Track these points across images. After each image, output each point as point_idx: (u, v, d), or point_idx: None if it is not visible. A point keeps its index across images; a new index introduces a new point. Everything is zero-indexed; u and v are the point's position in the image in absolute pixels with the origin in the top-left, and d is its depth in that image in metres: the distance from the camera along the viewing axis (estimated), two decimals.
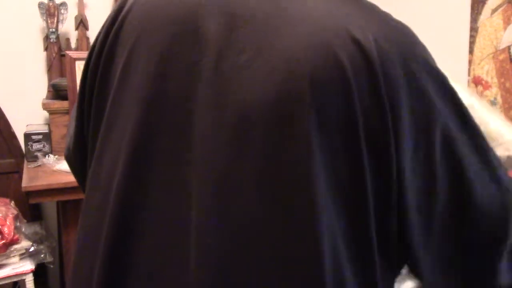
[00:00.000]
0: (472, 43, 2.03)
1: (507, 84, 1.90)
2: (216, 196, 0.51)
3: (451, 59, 2.13)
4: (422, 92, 0.54)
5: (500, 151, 1.01)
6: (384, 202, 0.52)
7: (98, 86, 0.64)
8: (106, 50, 0.63)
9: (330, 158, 0.50)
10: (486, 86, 1.98)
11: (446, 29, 2.15)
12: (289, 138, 0.50)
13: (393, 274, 0.57)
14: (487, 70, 1.97)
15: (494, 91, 1.95)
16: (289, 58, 0.51)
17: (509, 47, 1.89)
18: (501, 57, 1.91)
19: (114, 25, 0.63)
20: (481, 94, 2.01)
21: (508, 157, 1.03)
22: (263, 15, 0.54)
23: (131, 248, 0.55)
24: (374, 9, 0.58)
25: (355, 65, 0.51)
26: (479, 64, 2.01)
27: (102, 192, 0.59)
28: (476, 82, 2.03)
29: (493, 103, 1.96)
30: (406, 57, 0.54)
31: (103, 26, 0.65)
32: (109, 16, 0.65)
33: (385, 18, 0.57)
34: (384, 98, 0.51)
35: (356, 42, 0.51)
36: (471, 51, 2.03)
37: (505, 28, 1.89)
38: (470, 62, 2.04)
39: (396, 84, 0.52)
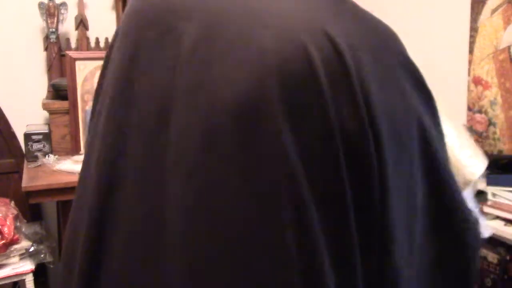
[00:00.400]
0: (472, 43, 2.03)
1: (507, 84, 1.90)
2: (186, 188, 0.52)
3: (451, 59, 2.13)
4: (397, 87, 0.54)
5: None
6: (365, 209, 0.51)
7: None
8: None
9: (303, 151, 0.49)
10: (486, 86, 1.98)
11: (446, 29, 2.15)
12: (258, 133, 0.50)
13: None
14: (487, 70, 1.98)
15: (494, 91, 1.95)
16: (259, 52, 0.51)
17: (509, 47, 1.89)
18: (501, 57, 1.92)
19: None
20: (481, 94, 2.01)
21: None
22: (238, 13, 0.54)
23: (105, 240, 0.57)
24: (347, 5, 0.57)
25: (325, 58, 0.50)
26: (479, 64, 2.01)
27: (83, 188, 0.63)
28: (476, 82, 2.03)
29: (493, 103, 1.96)
30: (381, 56, 0.53)
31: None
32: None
33: (360, 15, 0.57)
34: (357, 92, 0.50)
35: (327, 36, 0.51)
36: (471, 51, 2.04)
37: (505, 28, 1.89)
38: (470, 62, 2.04)
39: (369, 79, 0.51)
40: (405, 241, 0.53)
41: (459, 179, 1.08)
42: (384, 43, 0.55)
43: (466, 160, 1.10)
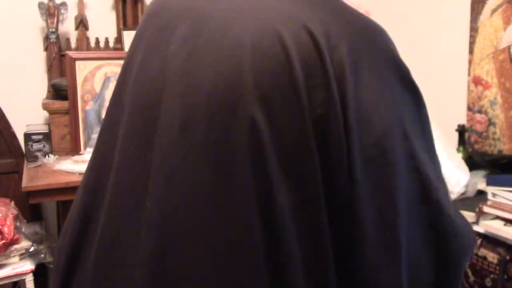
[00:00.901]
0: (472, 43, 2.03)
1: (507, 84, 1.90)
2: (162, 171, 0.53)
3: (451, 59, 2.13)
4: (382, 79, 0.54)
5: None
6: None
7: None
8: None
9: (275, 132, 0.50)
10: (486, 86, 1.98)
11: (446, 29, 2.15)
12: (233, 122, 0.51)
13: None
14: (487, 70, 1.98)
15: (494, 91, 1.95)
16: (235, 42, 0.53)
17: (509, 47, 1.89)
18: (501, 57, 1.91)
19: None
20: (481, 94, 2.01)
21: None
22: (221, 8, 0.57)
23: (90, 232, 0.60)
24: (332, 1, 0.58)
25: (303, 54, 0.51)
26: (479, 64, 2.01)
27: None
28: (476, 82, 2.03)
29: (493, 103, 1.96)
30: (360, 48, 0.53)
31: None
32: None
33: (340, 8, 0.57)
34: (333, 87, 0.50)
35: (306, 31, 0.51)
36: (471, 51, 2.04)
37: (505, 28, 1.89)
38: (470, 62, 2.04)
39: (346, 75, 0.51)
40: (376, 234, 0.52)
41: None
42: (366, 36, 0.55)
43: (451, 171, 1.11)
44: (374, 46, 0.55)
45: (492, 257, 1.43)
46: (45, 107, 2.28)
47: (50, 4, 2.37)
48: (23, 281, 1.91)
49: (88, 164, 0.66)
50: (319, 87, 0.50)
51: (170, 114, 0.54)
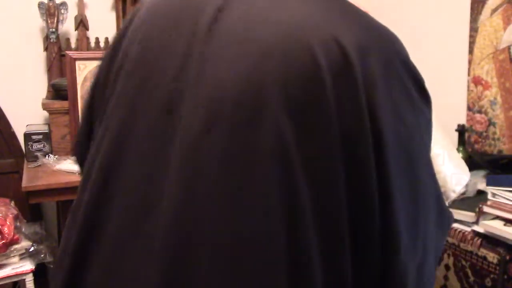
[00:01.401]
0: (472, 43, 2.03)
1: (507, 84, 1.90)
2: (184, 171, 0.53)
3: (451, 59, 2.13)
4: (405, 94, 0.55)
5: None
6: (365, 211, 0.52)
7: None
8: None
9: (301, 142, 0.51)
10: (486, 86, 1.98)
11: (446, 29, 2.15)
12: (257, 126, 0.51)
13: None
14: (487, 70, 1.98)
15: (494, 91, 1.95)
16: (265, 50, 0.52)
17: (509, 47, 1.89)
18: (501, 57, 1.91)
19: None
20: (481, 94, 2.01)
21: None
22: (247, 11, 0.56)
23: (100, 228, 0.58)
24: (355, 10, 0.58)
25: (333, 64, 0.51)
26: (479, 64, 2.01)
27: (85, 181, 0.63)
28: (476, 82, 2.03)
29: (493, 103, 1.96)
30: (388, 59, 0.54)
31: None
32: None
33: (366, 19, 0.58)
34: (362, 99, 0.51)
35: (336, 42, 0.52)
36: (471, 51, 2.04)
37: (505, 28, 1.89)
38: (470, 62, 2.04)
39: (376, 87, 0.52)
40: (409, 238, 0.55)
41: (443, 189, 1.11)
42: (391, 47, 0.56)
43: (451, 171, 1.11)
44: (399, 57, 0.56)
45: (492, 257, 1.43)
46: (45, 107, 2.28)
47: (50, 4, 2.37)
48: (23, 281, 1.91)
49: (92, 160, 0.64)
50: (349, 99, 0.51)
51: (194, 117, 0.54)
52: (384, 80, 0.53)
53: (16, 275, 1.89)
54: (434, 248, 0.60)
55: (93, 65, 2.30)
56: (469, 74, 2.05)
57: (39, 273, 2.04)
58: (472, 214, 1.52)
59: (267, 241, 0.50)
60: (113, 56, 0.66)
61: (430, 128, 0.60)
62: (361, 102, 0.51)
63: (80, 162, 0.75)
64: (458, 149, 1.88)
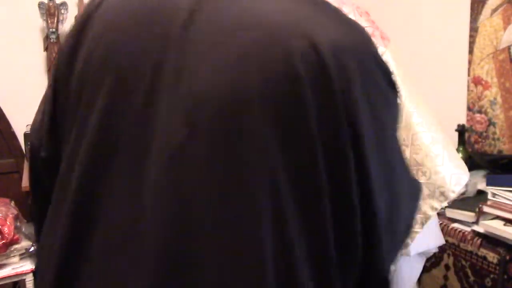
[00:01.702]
0: (472, 43, 2.03)
1: (507, 84, 1.90)
2: (166, 176, 0.53)
3: (451, 59, 2.13)
4: (379, 89, 0.57)
5: (419, 175, 1.11)
6: (345, 206, 0.54)
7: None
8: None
9: (283, 146, 0.51)
10: (486, 86, 1.98)
11: (446, 29, 2.15)
12: (237, 132, 0.51)
13: (353, 270, 0.58)
14: (487, 70, 1.98)
15: (494, 91, 1.95)
16: (242, 54, 0.52)
17: (509, 47, 1.89)
18: (501, 57, 1.92)
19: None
20: (481, 94, 2.01)
21: (427, 183, 1.11)
22: (222, 13, 0.56)
23: (87, 233, 0.57)
24: (328, 6, 0.59)
25: (309, 65, 0.52)
26: (479, 64, 2.01)
27: (62, 187, 0.61)
28: (476, 82, 2.03)
29: (493, 103, 1.96)
30: (361, 56, 0.55)
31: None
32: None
33: (339, 16, 0.59)
34: (338, 98, 0.52)
35: (311, 42, 0.52)
36: (471, 51, 2.04)
37: (505, 28, 1.89)
38: (470, 62, 2.04)
39: (352, 85, 0.53)
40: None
41: (442, 190, 1.12)
42: (364, 44, 0.57)
43: (451, 171, 1.12)
44: (371, 53, 0.58)
45: (492, 257, 1.43)
46: None
47: (50, 4, 2.37)
48: (23, 281, 1.91)
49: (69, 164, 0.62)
50: (326, 100, 0.52)
51: (172, 125, 0.53)
52: (359, 77, 0.54)
53: (16, 275, 1.89)
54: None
55: None
56: (469, 74, 2.05)
57: None
58: (472, 214, 1.53)
59: (258, 243, 0.51)
60: (73, 54, 0.63)
61: (400, 113, 0.63)
62: (338, 101, 0.52)
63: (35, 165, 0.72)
64: (458, 149, 1.88)
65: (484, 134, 2.00)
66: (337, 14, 0.58)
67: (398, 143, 0.62)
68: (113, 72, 0.58)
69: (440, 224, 1.46)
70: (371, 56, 0.57)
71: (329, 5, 0.59)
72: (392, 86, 0.59)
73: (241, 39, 0.53)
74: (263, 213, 0.51)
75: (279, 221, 0.51)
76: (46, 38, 2.41)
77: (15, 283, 2.04)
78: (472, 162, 1.78)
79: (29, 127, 2.34)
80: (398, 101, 0.62)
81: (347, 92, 0.52)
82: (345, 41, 0.54)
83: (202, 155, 0.52)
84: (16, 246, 1.89)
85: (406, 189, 0.63)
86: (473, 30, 2.01)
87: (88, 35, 0.62)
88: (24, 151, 2.27)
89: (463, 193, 1.64)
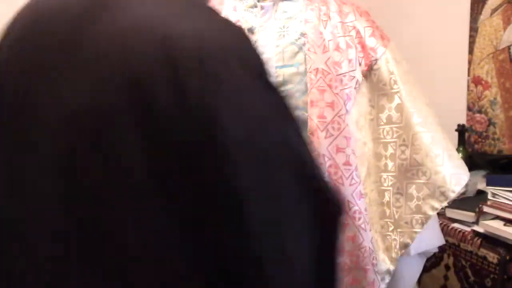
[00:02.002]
0: (472, 43, 2.03)
1: (507, 84, 1.90)
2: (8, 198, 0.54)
3: (451, 59, 2.13)
4: (250, 89, 0.54)
5: (419, 175, 1.13)
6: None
7: None
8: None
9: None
10: (486, 86, 1.98)
11: (446, 29, 2.15)
12: (103, 147, 0.51)
13: None
14: (487, 70, 1.98)
15: (494, 91, 1.96)
16: (108, 68, 0.52)
17: (509, 47, 1.89)
18: (501, 57, 1.92)
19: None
20: (481, 94, 2.01)
21: (426, 183, 1.12)
22: (86, 16, 0.56)
23: None
24: (197, 4, 0.58)
25: (157, 66, 0.50)
26: (479, 64, 2.01)
27: None
28: (476, 82, 2.03)
29: (493, 103, 1.96)
30: (226, 55, 0.53)
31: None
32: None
33: (207, 15, 0.57)
34: (198, 104, 0.50)
35: (169, 46, 0.51)
36: (471, 51, 2.04)
37: (505, 28, 1.89)
38: (470, 62, 2.04)
39: (216, 87, 0.51)
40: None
41: (442, 190, 1.12)
42: (230, 42, 0.55)
43: (451, 171, 1.12)
44: (238, 50, 0.55)
45: (492, 257, 1.43)
46: None
47: None
48: None
49: None
50: (184, 106, 0.50)
51: (47, 141, 0.54)
52: (225, 78, 0.52)
53: None
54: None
55: None
56: (469, 74, 2.05)
57: None
58: (472, 214, 1.53)
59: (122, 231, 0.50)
60: None
61: (285, 104, 0.58)
62: (198, 107, 0.50)
63: None
64: (458, 149, 1.88)
65: (484, 134, 2.00)
66: (204, 12, 0.57)
67: (278, 141, 0.56)
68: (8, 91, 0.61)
69: (440, 224, 1.46)
70: (237, 53, 0.55)
71: (197, 1, 0.59)
72: (265, 83, 0.56)
73: (108, 51, 0.53)
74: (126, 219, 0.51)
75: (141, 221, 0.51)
76: None
77: None
78: (472, 162, 1.78)
79: None
80: (277, 94, 0.58)
81: (210, 99, 0.50)
82: (210, 40, 0.53)
83: (83, 170, 0.52)
84: None
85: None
86: (473, 30, 2.02)
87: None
88: None
89: (463, 193, 1.64)
